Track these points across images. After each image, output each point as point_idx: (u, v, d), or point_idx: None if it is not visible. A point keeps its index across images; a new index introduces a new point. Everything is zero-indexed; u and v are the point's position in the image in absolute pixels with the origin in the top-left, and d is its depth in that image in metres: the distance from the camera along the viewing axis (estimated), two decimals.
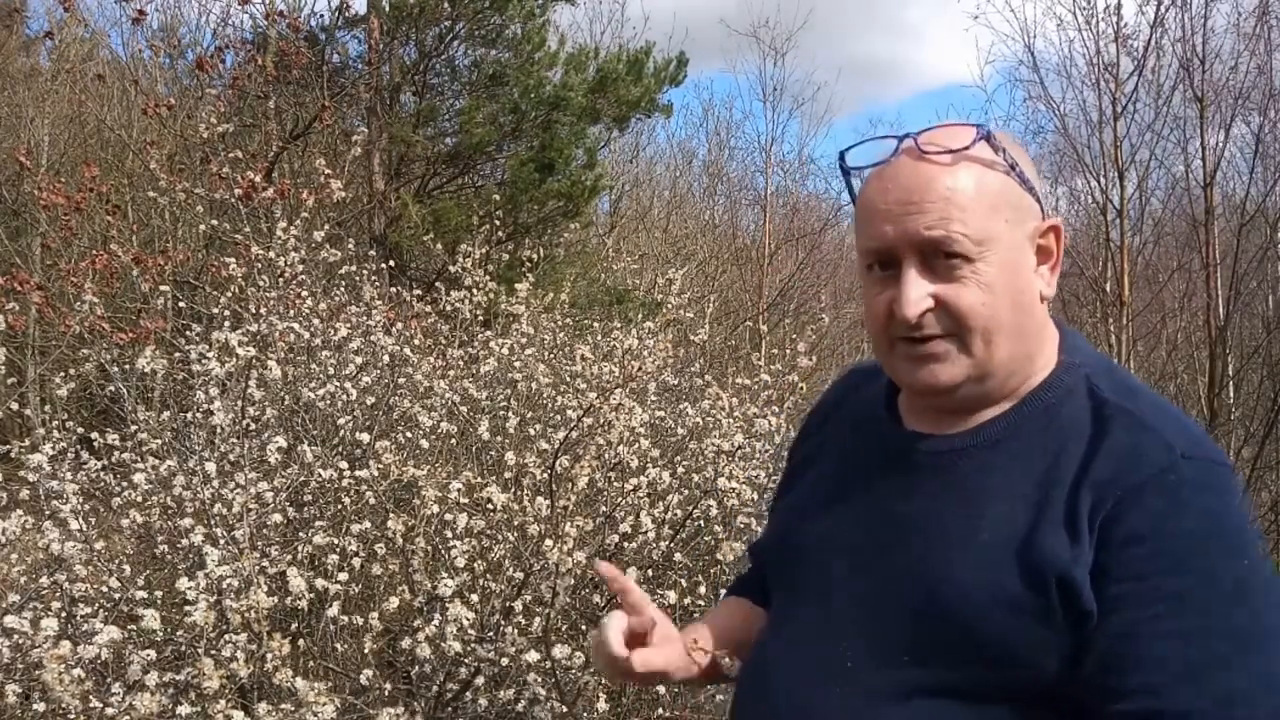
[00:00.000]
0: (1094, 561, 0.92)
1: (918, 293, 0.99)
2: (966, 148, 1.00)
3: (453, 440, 3.99)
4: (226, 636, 2.61)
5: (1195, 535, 0.91)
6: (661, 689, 3.17)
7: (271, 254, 4.86)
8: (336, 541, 3.07)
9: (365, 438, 3.72)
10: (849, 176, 1.09)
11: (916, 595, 0.98)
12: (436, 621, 2.83)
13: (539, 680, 2.86)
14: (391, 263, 7.54)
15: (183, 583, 2.70)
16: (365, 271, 5.51)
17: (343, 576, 2.94)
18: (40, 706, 2.44)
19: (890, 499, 1.06)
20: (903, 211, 1.00)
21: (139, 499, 3.42)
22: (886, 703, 0.98)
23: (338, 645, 3.04)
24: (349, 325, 4.51)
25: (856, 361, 1.57)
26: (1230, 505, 0.94)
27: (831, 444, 1.20)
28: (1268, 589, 0.91)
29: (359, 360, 4.23)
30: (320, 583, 2.92)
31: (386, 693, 2.89)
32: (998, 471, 1.00)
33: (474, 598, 2.97)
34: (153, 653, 2.60)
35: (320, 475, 3.43)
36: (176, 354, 4.80)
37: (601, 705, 2.93)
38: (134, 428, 3.84)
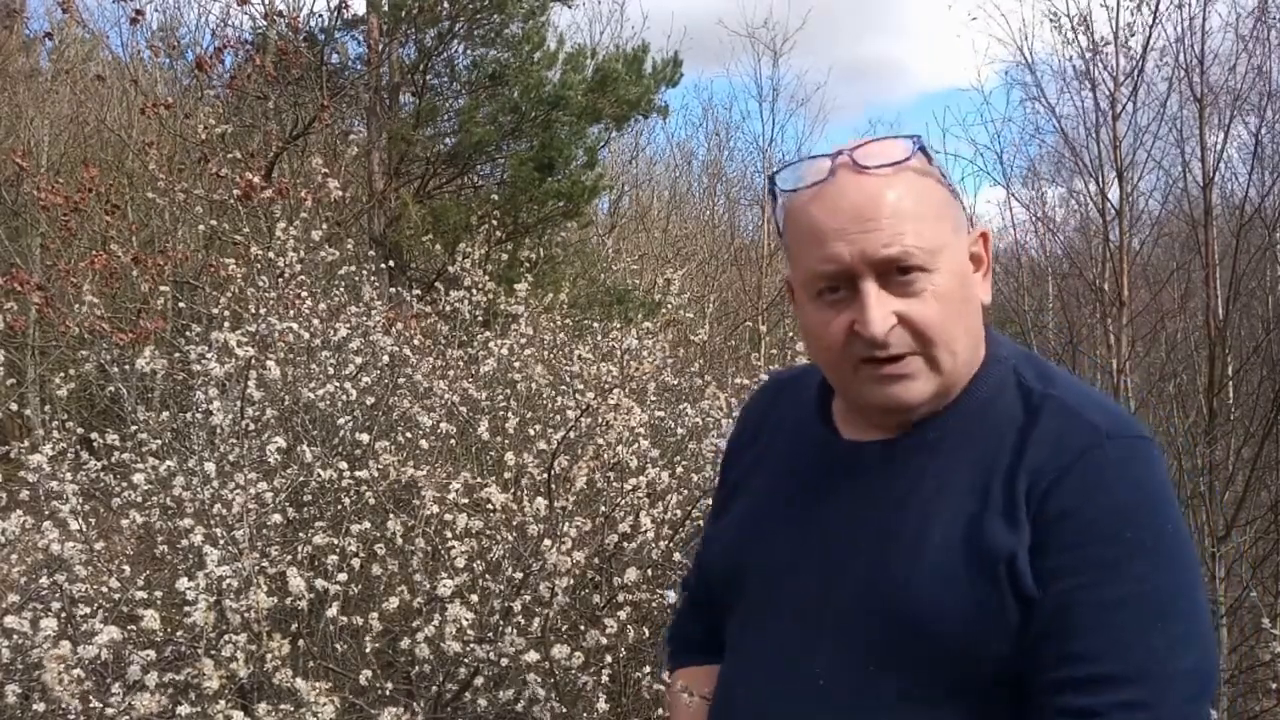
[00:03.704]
0: (1033, 544, 0.94)
1: (882, 311, 0.97)
2: (908, 159, 0.99)
3: (452, 440, 3.99)
4: (226, 636, 2.61)
5: (1123, 506, 0.94)
6: (661, 688, 3.18)
7: (271, 254, 4.86)
8: (336, 542, 3.07)
9: (365, 438, 3.73)
10: (778, 200, 1.05)
11: (877, 602, 0.98)
12: (436, 621, 2.83)
13: (538, 680, 2.86)
14: (391, 263, 7.54)
15: (183, 583, 2.70)
16: (365, 271, 5.52)
17: (342, 577, 2.95)
18: (40, 706, 2.44)
19: (842, 510, 1.05)
20: (858, 230, 0.96)
21: (139, 499, 3.42)
22: (856, 716, 0.98)
23: (338, 645, 3.04)
24: (348, 325, 4.51)
25: (771, 373, 1.53)
26: (1154, 476, 0.97)
27: (767, 461, 1.17)
28: (1185, 551, 0.96)
29: (359, 360, 4.24)
30: (320, 583, 2.92)
31: (387, 692, 2.89)
32: (942, 470, 1.00)
33: (473, 598, 2.97)
34: (153, 653, 2.60)
35: (320, 475, 3.43)
36: (176, 354, 4.80)
37: (601, 705, 2.93)
38: (134, 428, 3.85)
